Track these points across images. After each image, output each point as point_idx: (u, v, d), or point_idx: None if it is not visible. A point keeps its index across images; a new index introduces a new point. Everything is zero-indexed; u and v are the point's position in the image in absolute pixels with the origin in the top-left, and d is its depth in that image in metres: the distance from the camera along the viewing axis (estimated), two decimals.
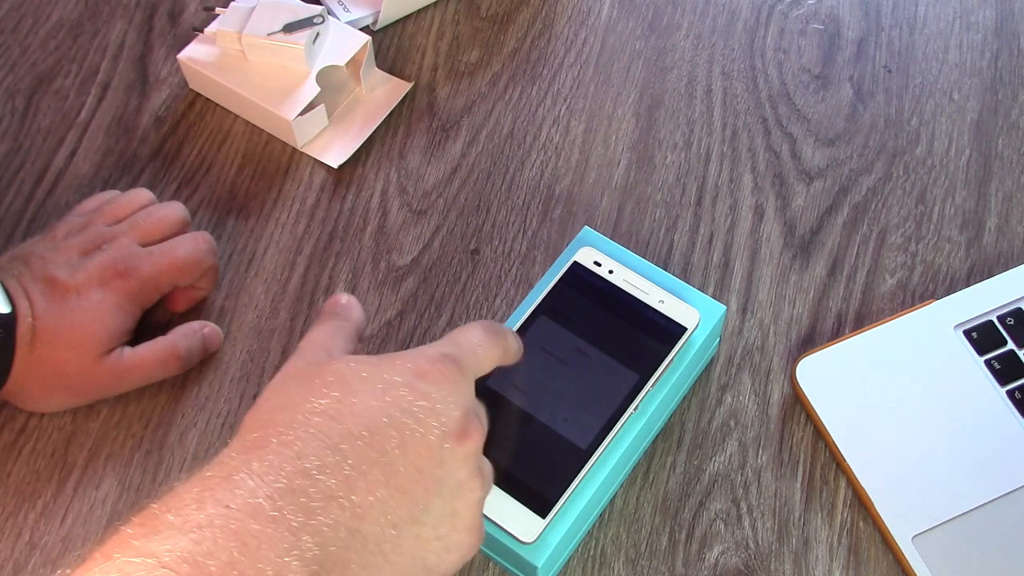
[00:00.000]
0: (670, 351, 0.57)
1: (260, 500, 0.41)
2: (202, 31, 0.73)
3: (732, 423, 0.62)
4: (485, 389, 0.56)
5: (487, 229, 0.69)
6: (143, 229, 0.63)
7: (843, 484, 0.60)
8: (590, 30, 0.78)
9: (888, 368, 0.62)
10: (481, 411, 0.49)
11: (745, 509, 0.59)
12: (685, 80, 0.75)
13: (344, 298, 0.54)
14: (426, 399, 0.45)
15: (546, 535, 0.53)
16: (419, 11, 0.79)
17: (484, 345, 0.50)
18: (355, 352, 0.51)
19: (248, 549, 0.40)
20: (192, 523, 0.40)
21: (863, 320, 0.65)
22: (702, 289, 0.66)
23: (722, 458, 0.61)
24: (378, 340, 0.65)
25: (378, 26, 0.78)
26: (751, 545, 0.58)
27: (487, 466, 0.49)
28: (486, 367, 0.50)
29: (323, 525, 0.42)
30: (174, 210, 0.65)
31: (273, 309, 0.66)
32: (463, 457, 0.46)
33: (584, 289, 0.59)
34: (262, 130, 0.73)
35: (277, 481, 0.41)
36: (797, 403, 0.62)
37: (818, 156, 0.71)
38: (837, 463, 0.60)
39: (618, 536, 0.58)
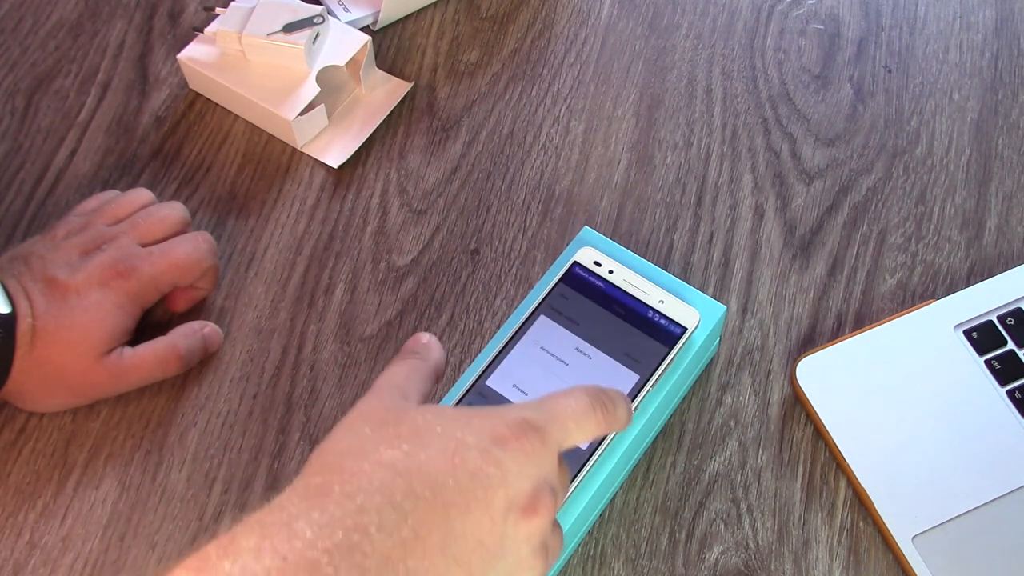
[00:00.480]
0: (670, 351, 0.57)
1: (317, 554, 0.39)
2: (202, 31, 0.73)
3: (732, 423, 0.62)
4: (485, 389, 0.56)
5: (487, 229, 0.69)
6: (143, 229, 0.63)
7: (843, 484, 0.60)
8: (590, 30, 0.78)
9: (888, 368, 0.62)
10: (560, 483, 0.46)
11: (745, 509, 0.59)
12: (685, 80, 0.75)
13: (425, 337, 0.52)
14: (497, 467, 0.43)
15: None
16: (419, 11, 0.79)
17: (579, 418, 0.46)
18: (431, 393, 0.50)
19: None
20: (248, 573, 0.39)
21: (863, 320, 0.65)
22: (702, 289, 0.66)
23: (722, 458, 0.61)
24: (378, 340, 0.65)
25: (378, 26, 0.78)
26: (751, 545, 0.58)
27: (556, 540, 0.46)
28: (576, 441, 0.46)
29: None
30: (174, 210, 0.65)
31: (273, 309, 0.66)
32: (527, 534, 0.44)
33: (584, 289, 0.59)
34: (262, 130, 0.73)
35: (334, 535, 0.40)
36: (797, 403, 0.62)
37: (818, 156, 0.71)
38: (837, 463, 0.60)
39: (618, 536, 0.58)
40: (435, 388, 0.50)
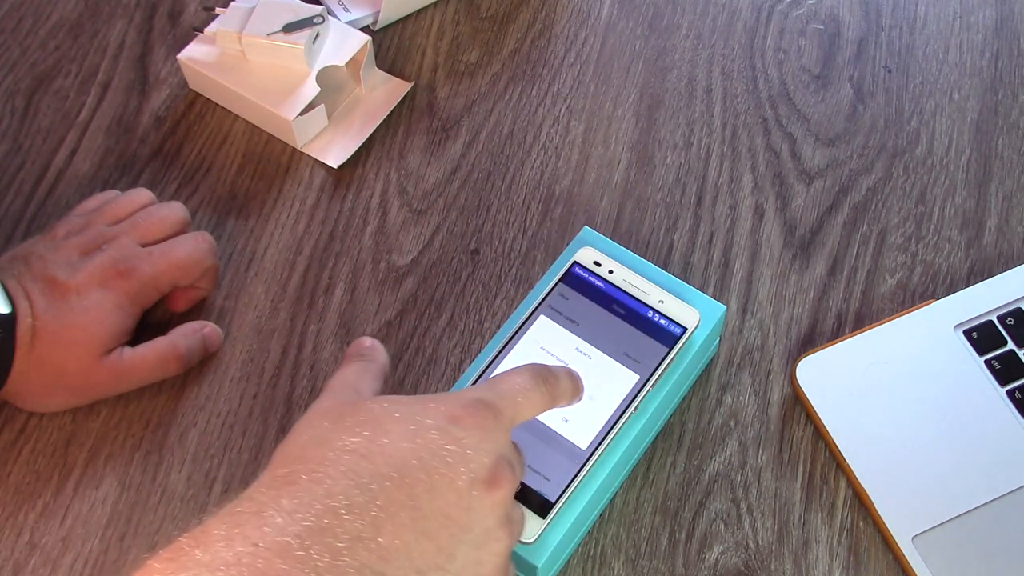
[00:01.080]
0: (670, 351, 0.57)
1: (288, 539, 0.41)
2: (202, 31, 0.73)
3: (732, 423, 0.62)
4: None
5: (487, 229, 0.69)
6: (143, 229, 0.63)
7: (843, 484, 0.60)
8: (590, 30, 0.78)
9: (888, 368, 0.62)
10: (516, 459, 0.48)
11: (745, 509, 0.59)
12: (685, 80, 0.75)
13: (368, 341, 0.54)
14: (457, 444, 0.45)
15: (546, 535, 0.53)
16: (419, 11, 0.79)
17: (525, 391, 0.48)
18: (382, 392, 0.51)
19: None
20: (220, 560, 0.40)
21: (863, 320, 0.65)
22: (702, 289, 0.66)
23: (722, 458, 0.61)
24: (378, 340, 0.64)
25: (378, 26, 0.78)
26: (751, 545, 0.58)
27: (518, 513, 0.48)
28: (526, 415, 0.49)
29: (348, 567, 0.41)
30: (174, 210, 0.65)
31: (273, 309, 0.66)
32: (491, 505, 0.45)
33: (584, 289, 0.59)
34: (262, 130, 0.73)
35: (305, 519, 0.41)
36: (797, 403, 0.62)
37: (818, 156, 0.71)
38: (837, 463, 0.60)
39: (618, 536, 0.58)
40: (384, 388, 0.51)
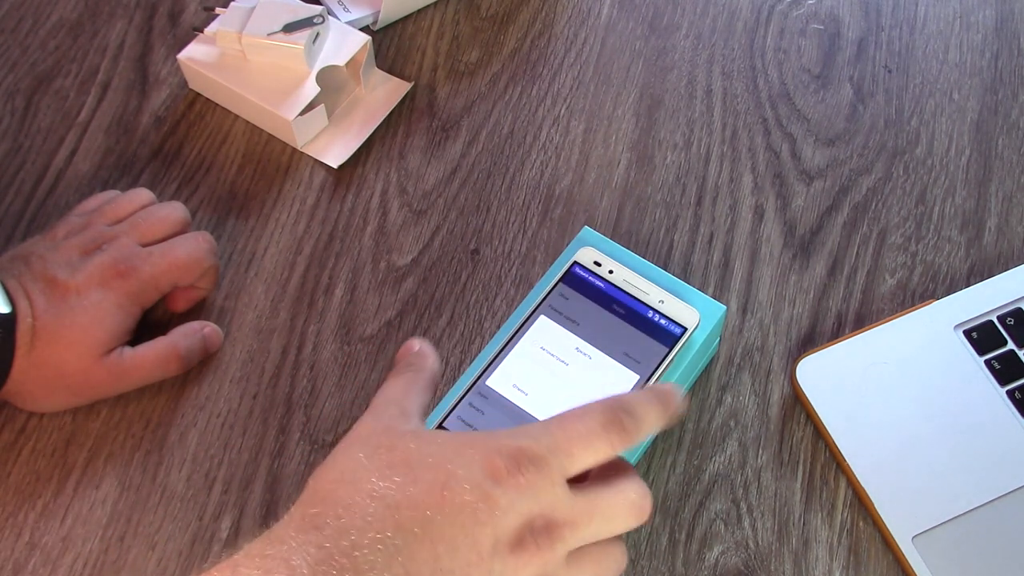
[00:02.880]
0: (670, 351, 0.57)
1: None
2: (202, 31, 0.73)
3: (732, 423, 0.62)
4: (485, 388, 0.56)
5: (487, 229, 0.69)
6: (143, 229, 0.63)
7: (843, 484, 0.60)
8: (590, 30, 0.78)
9: (888, 368, 0.62)
10: (565, 512, 0.43)
11: (745, 509, 0.59)
12: (685, 80, 0.75)
13: (417, 344, 0.51)
14: (485, 502, 0.42)
15: None
16: (419, 11, 0.79)
17: (588, 439, 0.43)
18: (431, 402, 0.49)
19: None
20: None
21: (863, 320, 0.65)
22: (702, 289, 0.66)
23: (722, 458, 0.61)
24: (378, 340, 0.65)
25: (378, 26, 0.78)
26: (751, 545, 0.58)
27: (570, 571, 0.44)
28: (584, 466, 0.44)
29: None
30: (174, 210, 0.65)
31: (273, 309, 0.66)
32: (514, 571, 0.42)
33: (584, 289, 0.59)
34: (262, 130, 0.73)
35: (329, 572, 0.41)
36: (797, 403, 0.62)
37: (818, 156, 0.71)
38: (837, 463, 0.60)
39: None
40: (434, 396, 0.50)
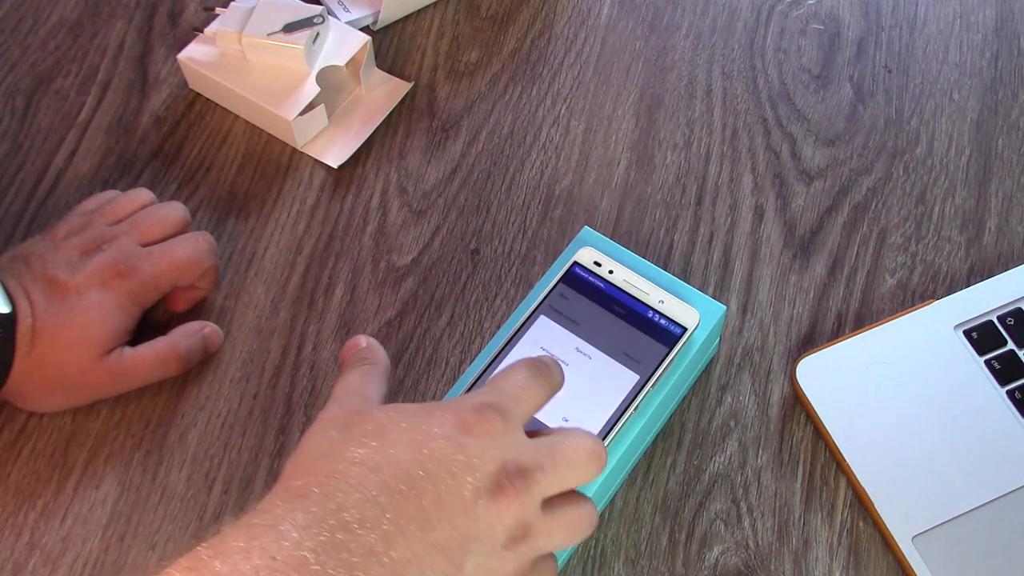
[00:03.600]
0: (670, 351, 0.57)
1: (304, 553, 0.41)
2: (202, 31, 0.73)
3: (732, 423, 0.62)
4: None
5: (487, 229, 0.69)
6: (143, 229, 0.63)
7: (843, 484, 0.60)
8: (590, 30, 0.78)
9: (888, 368, 0.62)
10: (533, 459, 0.46)
11: (745, 509, 0.59)
12: (685, 80, 0.75)
13: (364, 341, 0.53)
14: (463, 452, 0.45)
15: None
16: (419, 11, 0.79)
17: (528, 387, 0.49)
18: (387, 394, 0.51)
19: None
20: (239, 572, 0.40)
21: (863, 320, 0.65)
22: (702, 289, 0.66)
23: (722, 458, 0.61)
24: (378, 340, 0.64)
25: (378, 26, 0.78)
26: (751, 545, 0.58)
27: (545, 523, 0.47)
28: (532, 410, 0.49)
29: None
30: (174, 210, 0.65)
31: (273, 309, 0.66)
32: (498, 515, 0.45)
33: (584, 289, 0.59)
34: (262, 130, 0.73)
35: (320, 534, 0.42)
36: (797, 403, 0.62)
37: (818, 156, 0.71)
38: (837, 463, 0.60)
39: (618, 536, 0.58)
40: (388, 389, 0.52)
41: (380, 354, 0.53)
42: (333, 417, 0.48)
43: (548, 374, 0.50)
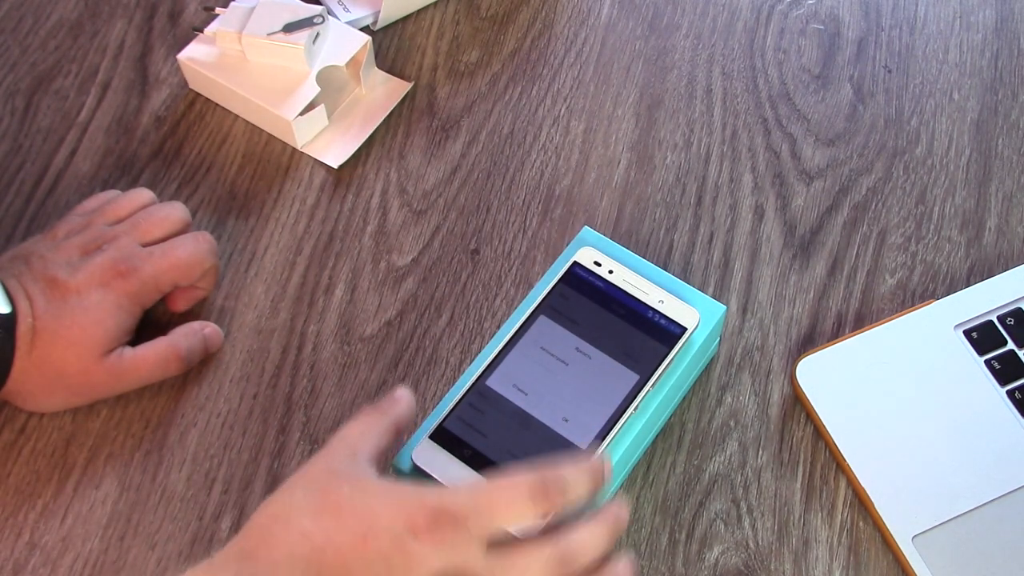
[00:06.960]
0: (670, 351, 0.57)
1: None
2: (202, 31, 0.73)
3: (732, 423, 0.62)
4: (485, 389, 0.56)
5: (487, 229, 0.69)
6: (143, 229, 0.63)
7: (843, 484, 0.60)
8: (590, 30, 0.78)
9: (888, 368, 0.62)
10: (483, 569, 0.46)
11: (745, 509, 0.59)
12: (685, 80, 0.75)
13: (399, 393, 0.53)
14: (403, 555, 0.45)
15: None
16: (419, 11, 0.79)
17: (512, 506, 0.46)
18: (388, 447, 0.51)
19: None
20: None
21: (863, 320, 0.65)
22: (702, 289, 0.66)
23: (722, 458, 0.61)
24: (378, 340, 0.65)
25: (378, 26, 0.78)
26: (751, 545, 0.58)
27: None
28: (506, 526, 0.46)
29: None
30: (175, 210, 0.65)
31: (273, 309, 0.66)
32: None
33: (584, 289, 0.59)
34: (262, 130, 0.73)
35: None
36: (797, 403, 0.62)
37: (818, 156, 0.71)
38: (837, 463, 0.60)
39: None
40: (395, 441, 0.52)
41: (399, 407, 0.52)
42: (314, 473, 0.49)
43: (556, 498, 0.46)
